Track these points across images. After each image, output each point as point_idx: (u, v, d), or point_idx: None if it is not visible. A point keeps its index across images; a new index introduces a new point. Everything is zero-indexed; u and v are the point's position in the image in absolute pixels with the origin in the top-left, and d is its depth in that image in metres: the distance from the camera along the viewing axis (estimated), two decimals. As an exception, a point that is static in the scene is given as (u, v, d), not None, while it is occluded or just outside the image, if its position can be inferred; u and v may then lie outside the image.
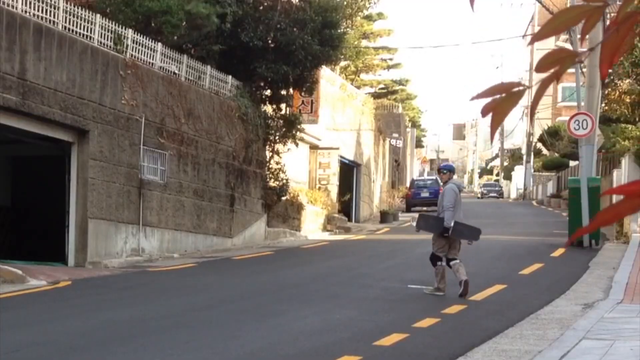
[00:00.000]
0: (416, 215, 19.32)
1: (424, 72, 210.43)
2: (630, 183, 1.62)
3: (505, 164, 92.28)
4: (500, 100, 1.74)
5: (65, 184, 18.38)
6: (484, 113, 1.77)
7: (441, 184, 14.61)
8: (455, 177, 14.30)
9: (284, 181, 27.94)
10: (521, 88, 1.74)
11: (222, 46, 24.20)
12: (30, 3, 16.68)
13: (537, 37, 1.80)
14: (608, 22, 1.88)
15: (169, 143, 21.06)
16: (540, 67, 1.74)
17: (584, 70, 26.93)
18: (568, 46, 41.32)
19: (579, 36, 26.95)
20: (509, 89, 1.74)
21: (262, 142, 26.73)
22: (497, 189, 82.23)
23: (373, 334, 9.76)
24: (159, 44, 20.83)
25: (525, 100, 78.56)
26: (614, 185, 35.48)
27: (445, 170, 14.11)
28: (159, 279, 16.24)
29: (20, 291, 13.72)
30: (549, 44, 66.40)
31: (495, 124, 1.78)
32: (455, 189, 13.72)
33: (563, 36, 52.14)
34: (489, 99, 1.76)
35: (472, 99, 1.86)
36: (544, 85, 1.74)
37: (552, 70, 1.73)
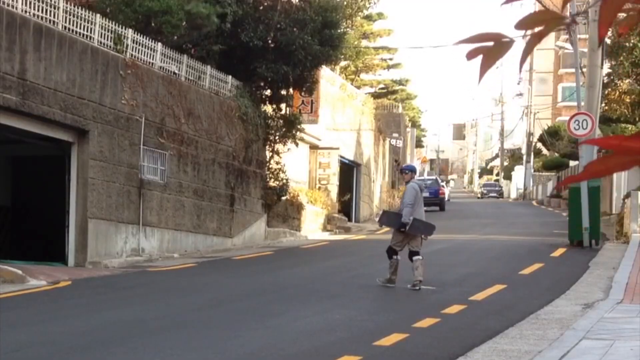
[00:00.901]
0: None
1: (424, 72, 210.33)
2: (612, 137, 1.62)
3: (505, 164, 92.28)
4: (488, 48, 1.72)
5: (65, 184, 18.38)
6: (470, 57, 1.75)
7: (404, 183, 15.38)
8: (424, 177, 14.97)
9: (284, 181, 27.93)
10: (508, 40, 1.72)
11: (222, 46, 24.19)
12: (30, 3, 16.67)
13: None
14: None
15: (169, 143, 21.06)
16: (522, 24, 1.71)
17: (584, 70, 26.92)
18: (568, 46, 41.29)
19: (579, 36, 26.95)
20: (497, 38, 1.72)
21: (262, 142, 26.73)
22: (497, 189, 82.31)
23: (373, 334, 9.75)
24: (159, 44, 20.82)
25: (525, 101, 78.43)
26: (614, 185, 35.40)
27: (407, 170, 15.09)
28: (159, 279, 16.23)
29: (20, 291, 13.71)
30: (549, 44, 66.38)
31: (484, 67, 1.76)
32: (417, 188, 14.46)
33: (563, 36, 52.10)
34: (475, 45, 1.74)
35: (457, 43, 1.81)
36: (533, 41, 1.71)
37: (536, 30, 1.71)
